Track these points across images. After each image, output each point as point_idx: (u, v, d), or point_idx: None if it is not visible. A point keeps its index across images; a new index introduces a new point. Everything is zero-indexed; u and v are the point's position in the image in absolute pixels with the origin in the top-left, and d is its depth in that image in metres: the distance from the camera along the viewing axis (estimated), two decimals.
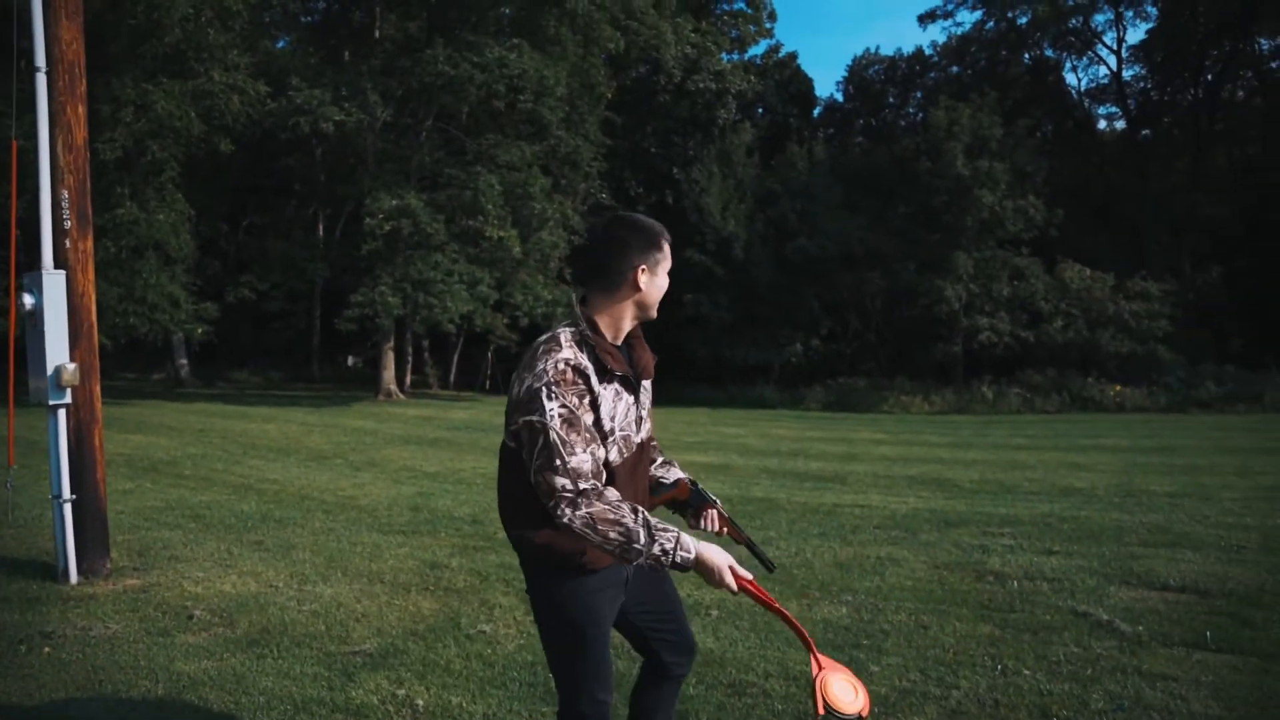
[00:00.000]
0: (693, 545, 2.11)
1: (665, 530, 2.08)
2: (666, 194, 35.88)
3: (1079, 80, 41.27)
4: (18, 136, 6.31)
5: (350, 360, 36.63)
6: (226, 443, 13.86)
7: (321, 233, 29.14)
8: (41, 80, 5.79)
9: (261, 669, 4.22)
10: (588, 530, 2.05)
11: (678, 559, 2.08)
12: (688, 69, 35.03)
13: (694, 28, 35.10)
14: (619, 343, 2.34)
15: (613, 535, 2.05)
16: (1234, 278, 31.63)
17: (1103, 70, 39.89)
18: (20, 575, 5.92)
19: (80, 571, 5.81)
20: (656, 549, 2.06)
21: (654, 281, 2.30)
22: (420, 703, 3.80)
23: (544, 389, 2.09)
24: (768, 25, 41.02)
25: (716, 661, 4.27)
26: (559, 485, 2.06)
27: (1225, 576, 5.83)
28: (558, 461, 2.06)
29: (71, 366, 5.73)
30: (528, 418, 2.10)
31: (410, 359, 31.60)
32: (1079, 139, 40.03)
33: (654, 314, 2.38)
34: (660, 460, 2.71)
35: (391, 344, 26.34)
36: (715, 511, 2.64)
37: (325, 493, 9.37)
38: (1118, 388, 26.79)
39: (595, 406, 2.16)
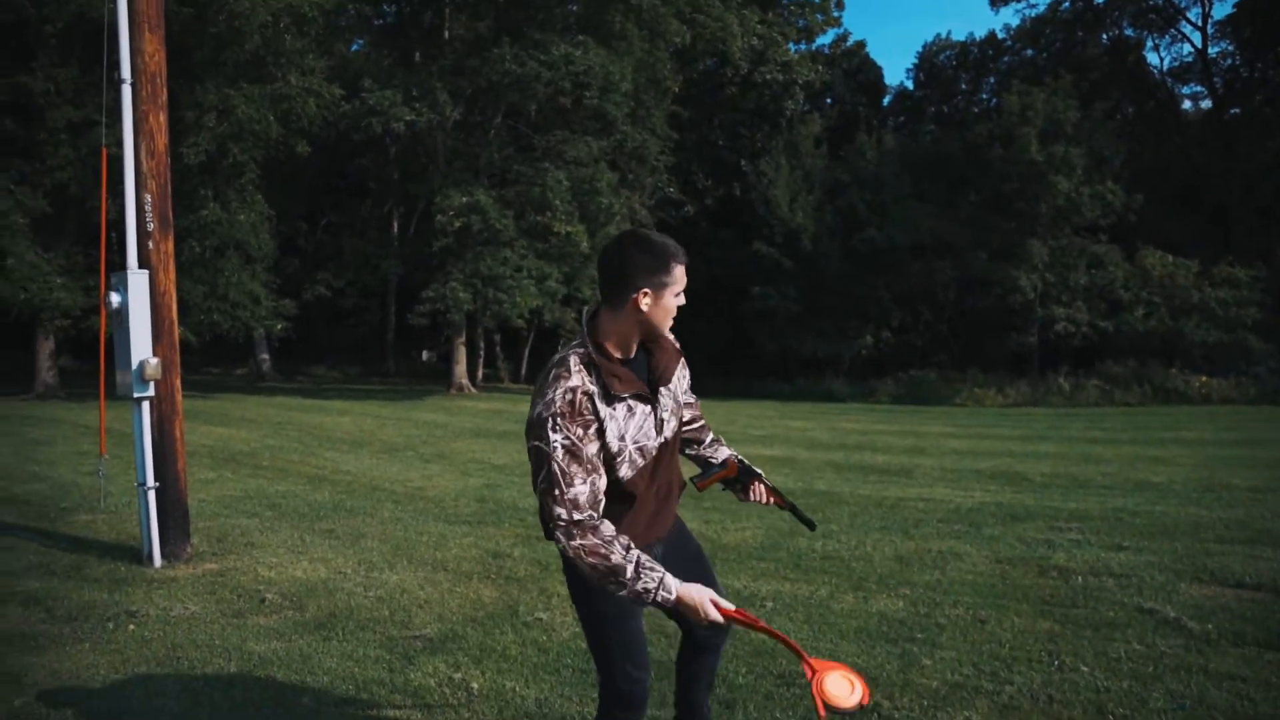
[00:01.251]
0: (675, 586, 2.16)
1: (652, 570, 2.14)
2: (734, 186, 35.76)
3: (1161, 60, 39.87)
4: (108, 144, 6.64)
5: (424, 355, 37.41)
6: (303, 435, 14.33)
7: (395, 230, 29.82)
8: (126, 91, 6.10)
9: (327, 650, 4.40)
10: (578, 559, 2.13)
11: (659, 599, 2.14)
12: (755, 61, 34.83)
13: (760, 19, 34.84)
14: (631, 356, 2.35)
15: (600, 568, 2.12)
16: None
17: (1186, 48, 38.64)
18: (110, 558, 6.26)
19: (163, 555, 6.12)
20: (639, 587, 2.13)
21: (658, 305, 2.25)
22: (475, 686, 3.93)
23: (550, 419, 2.14)
24: (835, 14, 40.52)
25: (767, 652, 4.30)
26: (556, 514, 2.13)
27: None
28: (556, 491, 2.12)
29: (154, 361, 6.02)
30: (535, 443, 2.16)
31: (482, 353, 32.12)
32: (1161, 120, 38.59)
33: (662, 335, 2.39)
34: (710, 439, 2.82)
35: (463, 338, 26.82)
36: (762, 485, 2.76)
37: (395, 484, 9.64)
38: (1203, 379, 25.80)
39: (601, 433, 2.20)
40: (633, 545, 2.17)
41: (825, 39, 41.74)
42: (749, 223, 33.72)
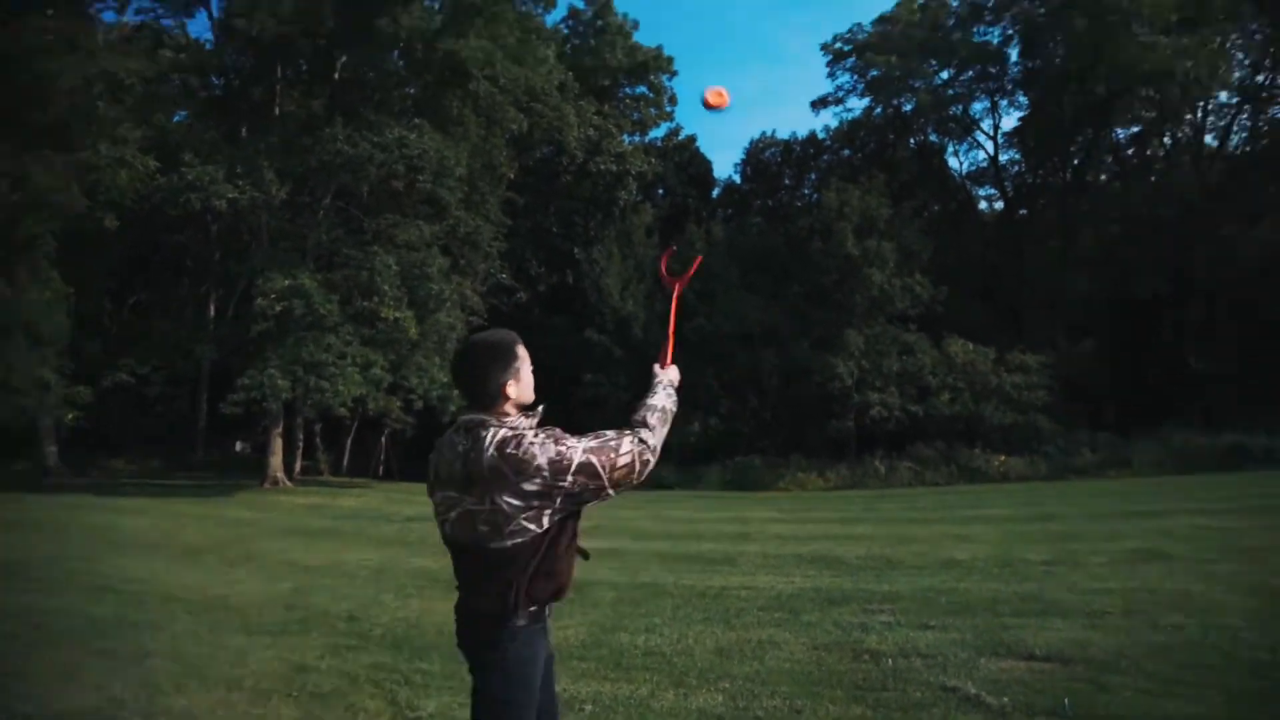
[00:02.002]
0: (671, 376, 3.12)
1: (655, 396, 2.95)
2: (567, 274, 36.18)
3: (961, 164, 43.67)
4: None
5: (238, 446, 35.10)
6: (89, 539, 13.02)
7: (213, 312, 28.19)
8: None
9: None
10: (658, 448, 2.75)
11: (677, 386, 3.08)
12: (590, 150, 35.74)
13: (596, 110, 35.95)
14: None
15: (663, 426, 2.84)
16: (1103, 349, 33.42)
17: (982, 154, 42.34)
18: None
19: None
20: (672, 402, 2.97)
21: (521, 386, 2.69)
22: None
23: (562, 442, 2.55)
24: (668, 109, 42.45)
25: None
26: (628, 449, 2.64)
27: (1087, 643, 5.99)
28: (608, 455, 2.59)
29: None
30: (577, 460, 2.53)
31: (301, 444, 30.50)
32: (962, 219, 42.16)
33: (531, 400, 2.77)
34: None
35: (280, 429, 25.45)
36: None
37: (192, 592, 8.87)
38: (1002, 458, 27.73)
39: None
40: (646, 410, 2.85)
41: (658, 132, 43.53)
42: (581, 310, 34.08)
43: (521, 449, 2.49)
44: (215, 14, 25.43)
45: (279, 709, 5.09)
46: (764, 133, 46.18)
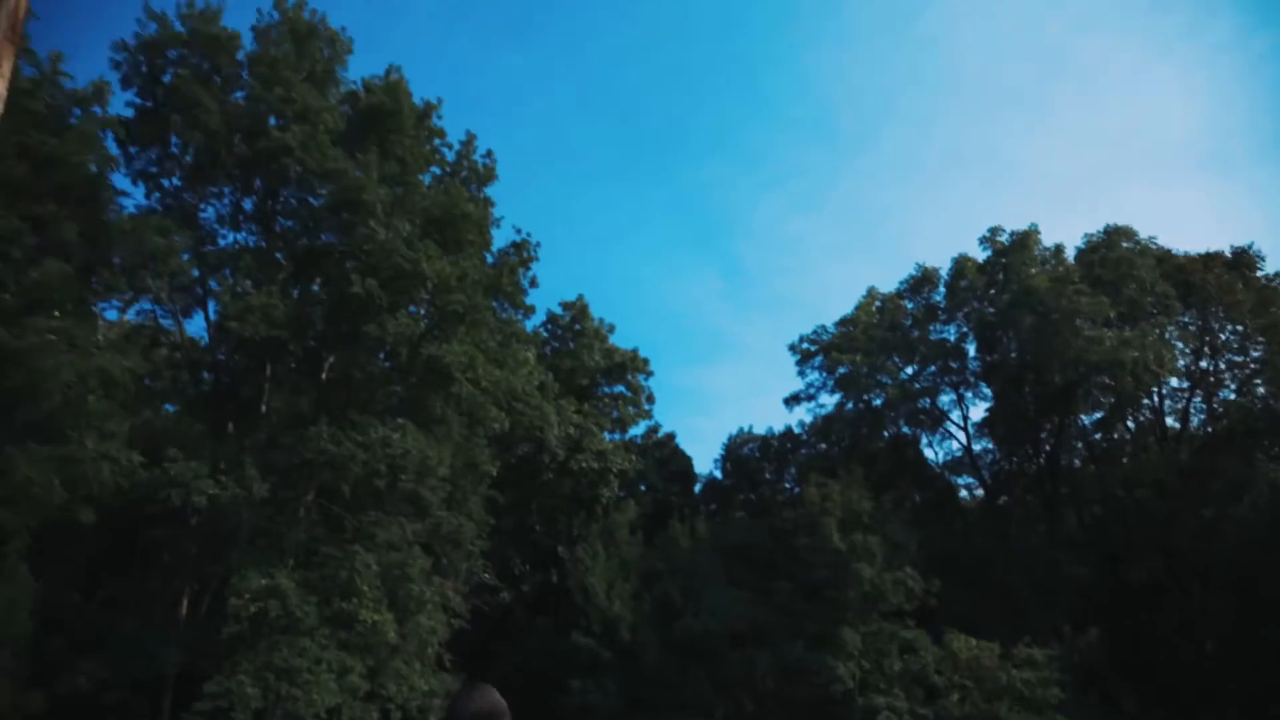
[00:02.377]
0: None
1: None
2: (551, 573, 35.28)
3: (936, 453, 44.52)
4: None
5: None
6: None
7: (185, 609, 26.60)
8: None
9: None
10: None
11: None
12: (571, 448, 36.13)
13: (577, 409, 36.78)
14: None
15: None
16: (1109, 636, 32.18)
17: (956, 444, 43.13)
18: None
19: None
20: None
21: None
22: None
23: None
24: (646, 407, 43.54)
25: None
26: None
27: None
28: None
29: None
30: None
31: None
32: (943, 508, 42.06)
33: None
34: None
35: None
36: None
37: None
38: None
39: None
40: None
41: (638, 430, 44.35)
42: (566, 612, 32.78)
43: None
44: (211, 316, 26.46)
45: None
46: (741, 429, 47.26)
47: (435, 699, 22.71)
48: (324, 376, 25.78)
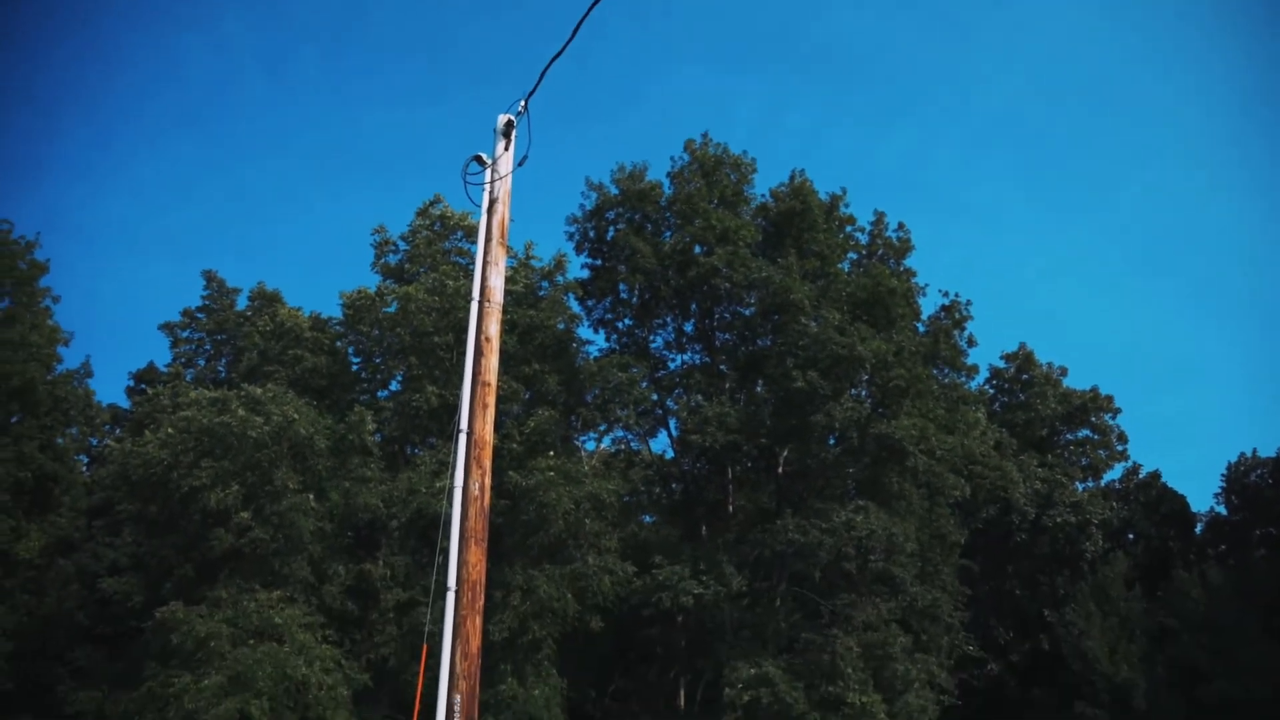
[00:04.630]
0: None
1: None
2: (1041, 639, 32.92)
3: None
4: (429, 629, 7.17)
5: None
6: None
7: (682, 700, 29.36)
8: (450, 598, 6.68)
9: None
10: None
11: None
12: (1041, 504, 33.89)
13: (1040, 462, 34.42)
14: None
15: None
16: None
17: None
18: None
19: None
20: None
21: None
22: None
23: None
24: (1119, 448, 39.35)
25: None
26: None
27: None
28: None
29: None
30: None
31: None
32: None
33: None
34: None
35: None
36: None
37: None
38: None
39: None
40: None
41: (1114, 474, 40.04)
42: (1064, 680, 30.31)
43: None
44: (673, 432, 29.61)
45: None
46: (1242, 453, 40.04)
47: None
48: (780, 470, 27.15)
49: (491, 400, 7.46)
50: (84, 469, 38.58)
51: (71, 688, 25.77)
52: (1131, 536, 38.78)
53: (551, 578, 22.54)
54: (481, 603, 6.97)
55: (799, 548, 23.28)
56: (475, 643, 6.83)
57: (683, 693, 29.77)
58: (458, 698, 6.61)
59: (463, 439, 7.26)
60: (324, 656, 21.90)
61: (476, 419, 7.33)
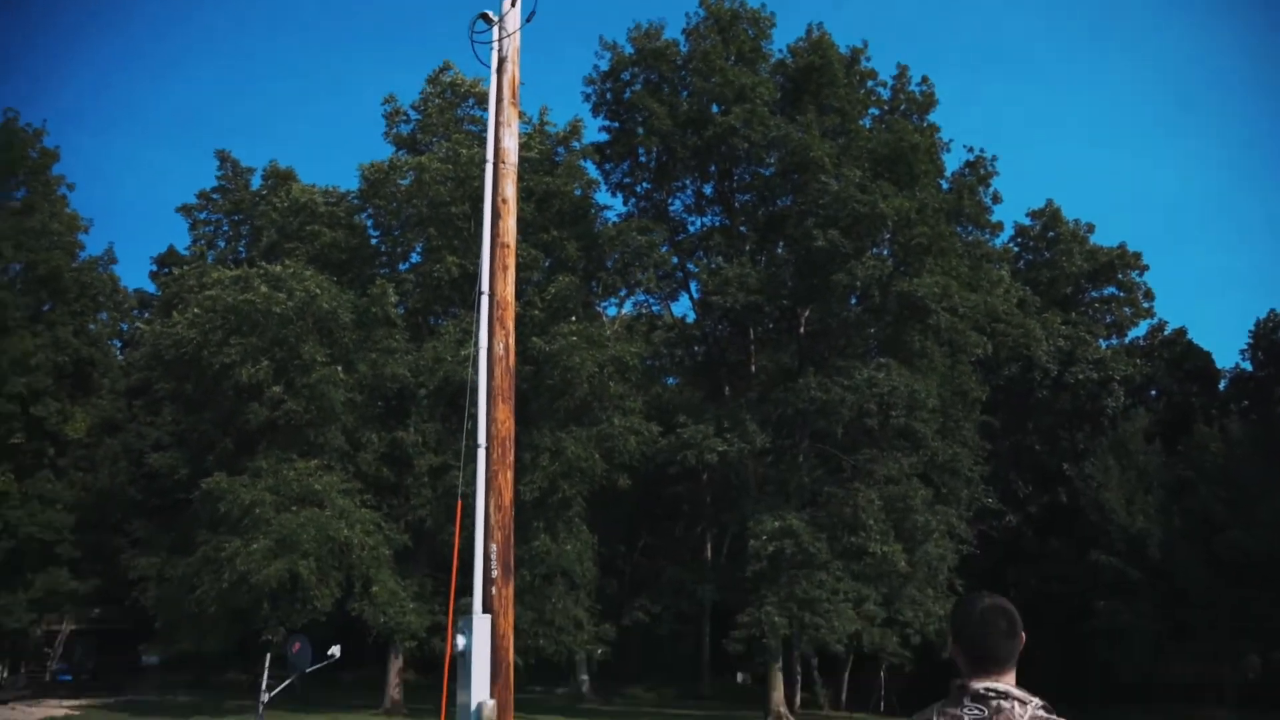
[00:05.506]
0: None
1: None
2: (1059, 492, 33.50)
3: None
4: (462, 487, 7.58)
5: (739, 677, 36.51)
6: None
7: (709, 553, 30.57)
8: (481, 454, 6.99)
9: None
10: None
11: None
12: (1063, 361, 33.95)
13: (1063, 320, 34.33)
14: None
15: None
16: None
17: None
18: None
19: None
20: None
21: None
22: None
23: None
24: (1145, 305, 39.03)
25: None
26: None
27: None
28: None
29: (491, 704, 6.34)
30: None
31: (799, 677, 30.83)
32: None
33: None
34: None
35: (779, 664, 26.03)
36: None
37: None
38: None
39: None
40: None
41: (1139, 330, 39.85)
42: (1082, 531, 31.03)
43: None
44: (694, 295, 29.51)
45: None
46: (1272, 310, 39.60)
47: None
48: (802, 330, 27.24)
49: (511, 262, 7.55)
50: (118, 353, 39.59)
51: (132, 555, 27.12)
52: (1154, 393, 38.84)
53: (579, 439, 23.23)
54: (511, 458, 7.23)
55: (821, 405, 23.60)
56: (508, 495, 7.11)
57: (709, 546, 30.92)
58: (494, 547, 6.93)
59: (484, 300, 7.39)
60: (364, 520, 22.91)
61: (497, 280, 7.42)
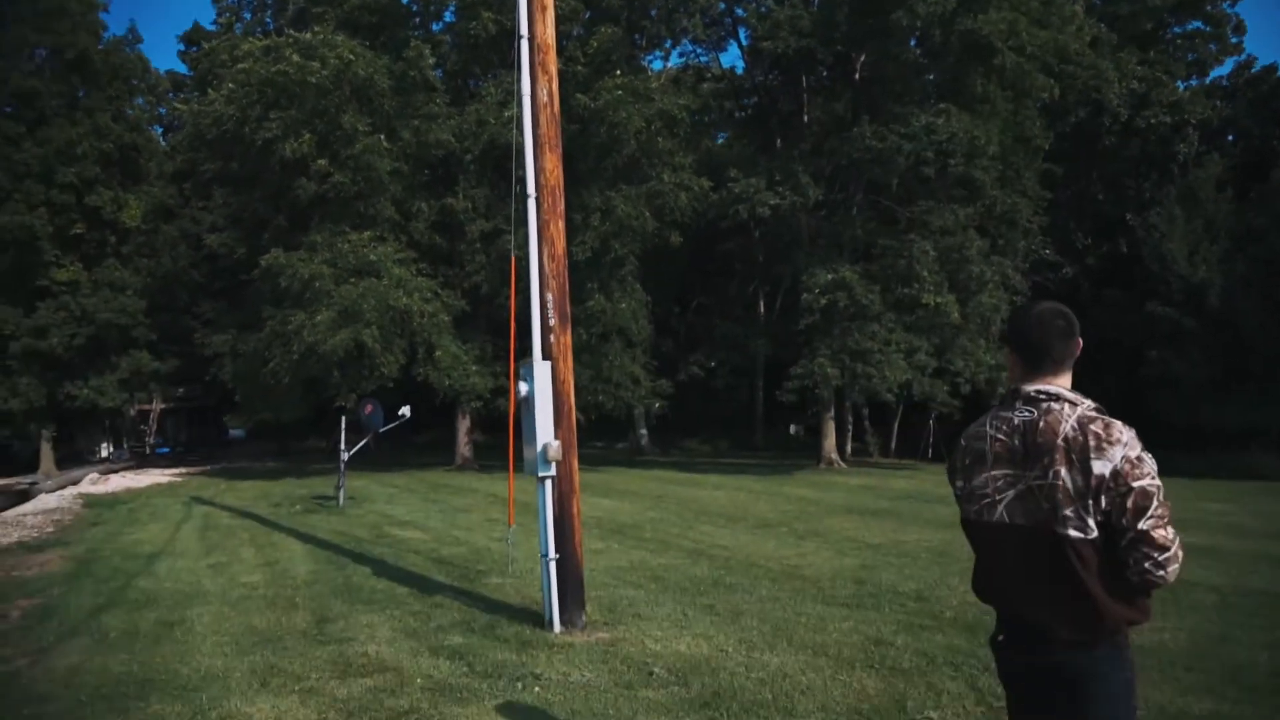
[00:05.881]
0: None
1: None
2: (1119, 243, 32.62)
3: None
4: (515, 251, 7.61)
5: (792, 429, 37.91)
6: (681, 508, 14.98)
7: (762, 309, 30.81)
8: (531, 205, 6.95)
9: None
10: (1175, 575, 2.25)
11: None
12: (1135, 105, 31.98)
13: (1140, 59, 32.02)
14: None
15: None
16: None
17: None
18: (517, 620, 6.92)
19: (562, 622, 6.64)
20: None
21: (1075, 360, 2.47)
22: None
23: (1147, 455, 2.25)
24: (1234, 40, 36.03)
25: None
26: (1173, 536, 2.24)
27: None
28: (1169, 515, 2.24)
29: (556, 444, 6.67)
30: (1142, 483, 2.23)
31: (850, 427, 31.81)
32: None
33: None
34: None
35: (831, 413, 26.75)
36: None
37: (771, 560, 9.69)
38: None
39: None
40: None
41: (1223, 69, 37.16)
42: (1139, 281, 30.45)
43: (1108, 428, 2.26)
44: (744, 43, 27.69)
45: (862, 678, 5.33)
46: None
47: (1000, 372, 23.40)
48: (857, 76, 25.81)
49: (549, 2, 7.14)
50: (161, 140, 39.58)
51: (204, 334, 28.24)
52: (1231, 138, 36.79)
53: (628, 198, 22.93)
54: (561, 207, 7.15)
55: (876, 154, 22.77)
56: (560, 245, 7.06)
57: (761, 303, 31.13)
58: (549, 296, 6.95)
59: (524, 45, 7.05)
60: (421, 288, 23.28)
61: (536, 23, 7.05)
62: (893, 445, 34.12)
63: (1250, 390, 27.44)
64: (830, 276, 22.62)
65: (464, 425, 26.80)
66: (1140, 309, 29.28)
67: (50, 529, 14.10)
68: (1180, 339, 27.93)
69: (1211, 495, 17.89)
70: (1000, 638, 2.49)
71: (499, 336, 24.71)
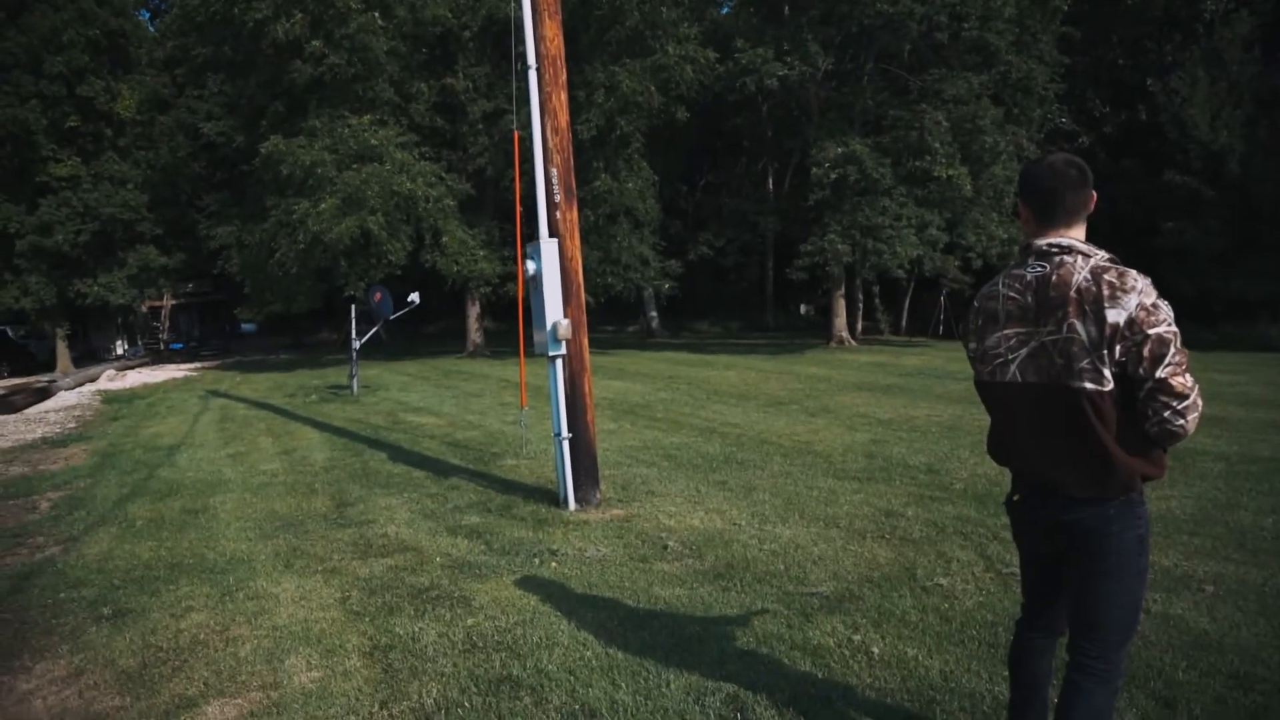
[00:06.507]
0: None
1: None
2: (1139, 110, 31.54)
3: None
4: (518, 128, 7.40)
5: (802, 308, 37.84)
6: (692, 389, 15.08)
7: (771, 186, 30.25)
8: (532, 75, 6.72)
9: (726, 601, 4.57)
10: (1195, 424, 2.24)
11: None
12: None
13: None
14: None
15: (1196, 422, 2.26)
16: None
17: None
18: (532, 500, 7.05)
19: (577, 500, 6.75)
20: None
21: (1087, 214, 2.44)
22: (875, 650, 3.85)
23: (1163, 303, 2.22)
24: None
25: (1213, 646, 3.75)
26: (1191, 384, 2.22)
27: None
28: (1186, 363, 2.22)
29: (565, 322, 6.64)
30: (1158, 330, 2.20)
31: (861, 305, 31.66)
32: None
33: None
34: None
35: (842, 291, 26.56)
36: None
37: (782, 437, 9.79)
38: None
39: None
40: None
41: None
42: (1157, 150, 29.61)
43: (1122, 276, 2.23)
44: None
45: (873, 548, 5.43)
46: None
47: (1013, 245, 23.08)
48: None
49: None
50: (149, 26, 38.38)
51: (209, 226, 28.01)
52: None
53: (633, 72, 22.20)
54: (564, 78, 6.89)
55: (888, 19, 21.86)
56: (563, 117, 6.83)
57: (770, 180, 30.57)
58: (554, 171, 6.76)
59: None
60: (425, 172, 22.88)
61: None
62: (904, 322, 33.99)
63: (1265, 261, 27.05)
64: (840, 150, 22.06)
65: (474, 312, 26.81)
66: (1157, 178, 28.57)
67: (72, 424, 14.33)
68: (1197, 208, 27.36)
69: (1222, 366, 17.88)
70: (1015, 497, 2.52)
71: (506, 220, 24.44)
